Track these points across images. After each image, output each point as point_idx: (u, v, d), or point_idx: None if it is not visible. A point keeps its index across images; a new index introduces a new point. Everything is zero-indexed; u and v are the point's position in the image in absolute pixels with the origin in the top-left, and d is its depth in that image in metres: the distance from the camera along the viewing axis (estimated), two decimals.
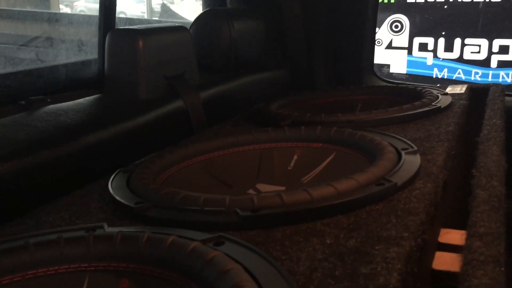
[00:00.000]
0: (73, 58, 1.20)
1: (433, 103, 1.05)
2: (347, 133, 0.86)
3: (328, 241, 0.52)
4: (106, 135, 0.95)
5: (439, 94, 1.13)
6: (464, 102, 1.11)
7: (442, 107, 1.04)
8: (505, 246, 0.51)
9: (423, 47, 4.68)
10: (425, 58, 4.66)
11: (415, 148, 0.76)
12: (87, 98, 1.07)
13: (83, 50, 1.23)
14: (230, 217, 0.58)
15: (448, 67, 3.89)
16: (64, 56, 1.21)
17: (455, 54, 4.71)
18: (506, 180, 0.68)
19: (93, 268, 0.53)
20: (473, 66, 3.93)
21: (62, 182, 0.84)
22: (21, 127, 0.86)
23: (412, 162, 0.71)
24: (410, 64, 3.91)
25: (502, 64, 3.66)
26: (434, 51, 4.74)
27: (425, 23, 4.48)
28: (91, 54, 1.24)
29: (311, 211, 0.58)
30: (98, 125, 0.95)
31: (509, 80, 3.50)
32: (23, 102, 0.96)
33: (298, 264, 0.48)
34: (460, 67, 3.95)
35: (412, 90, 1.22)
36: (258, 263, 0.47)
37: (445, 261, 0.66)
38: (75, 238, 0.54)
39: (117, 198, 0.67)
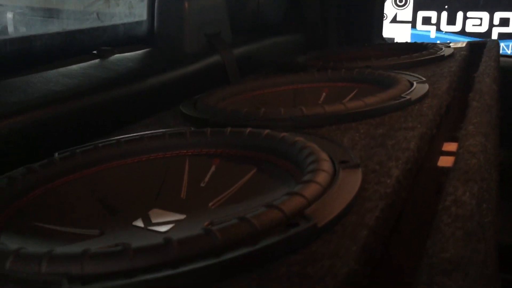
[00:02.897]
0: (125, 19, 1.39)
1: (438, 53, 1.24)
2: (367, 73, 1.05)
3: (362, 131, 0.72)
4: (164, 79, 1.15)
5: (443, 47, 1.32)
6: (465, 53, 1.30)
7: (445, 55, 1.22)
8: (494, 139, 0.70)
9: (426, 20, 4.83)
10: (429, 31, 4.81)
11: (424, 79, 0.95)
12: (142, 50, 1.26)
13: (132, 12, 1.42)
14: (286, 122, 0.78)
15: (451, 40, 4.03)
16: (118, 17, 1.39)
17: (458, 27, 4.85)
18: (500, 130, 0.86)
19: (190, 153, 0.72)
20: (475, 38, 4.05)
21: (133, 113, 1.03)
22: (101, 69, 1.05)
23: (422, 87, 0.90)
24: (413, 37, 4.06)
25: (502, 36, 3.80)
26: (437, 24, 4.88)
27: None
28: (139, 16, 1.42)
29: (346, 115, 0.77)
30: (158, 71, 1.14)
31: (509, 52, 3.68)
32: (95, 52, 1.15)
33: (342, 141, 0.68)
34: (462, 39, 4.08)
35: (419, 44, 1.41)
36: (315, 139, 0.66)
37: (447, 161, 0.86)
38: (175, 133, 0.73)
39: (193, 115, 0.87)
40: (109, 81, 1.01)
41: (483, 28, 4.75)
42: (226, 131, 0.71)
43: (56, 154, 0.70)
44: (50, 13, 1.34)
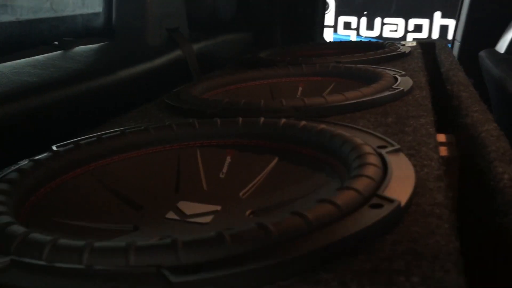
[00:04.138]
0: (77, 10, 1.30)
1: (398, 50, 1.29)
2: (344, 68, 1.06)
3: (371, 120, 0.72)
4: (134, 72, 1.10)
5: (399, 45, 1.37)
6: (420, 50, 1.36)
7: (406, 52, 1.27)
8: None
9: (347, 25, 5.04)
10: (349, 36, 5.01)
11: (404, 73, 0.98)
12: (105, 43, 1.20)
13: (85, 4, 1.34)
14: (289, 112, 0.77)
15: None
16: (71, 8, 1.31)
17: (376, 32, 5.09)
18: None
19: (199, 144, 0.69)
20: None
21: (107, 105, 0.97)
22: (69, 61, 0.98)
23: (406, 80, 0.93)
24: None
25: None
26: (357, 29, 5.10)
27: (348, 4, 4.82)
28: (91, 8, 1.34)
29: (348, 105, 0.78)
30: (128, 63, 1.09)
31: None
32: (56, 43, 1.07)
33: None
34: None
35: (375, 43, 1.46)
36: (338, 127, 0.66)
37: None
38: (183, 124, 0.69)
39: (187, 107, 0.83)
40: (81, 72, 0.95)
41: (399, 34, 5.03)
42: (238, 121, 0.69)
43: (54, 147, 0.65)
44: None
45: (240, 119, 0.69)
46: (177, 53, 1.32)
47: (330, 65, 1.08)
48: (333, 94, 0.82)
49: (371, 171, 0.47)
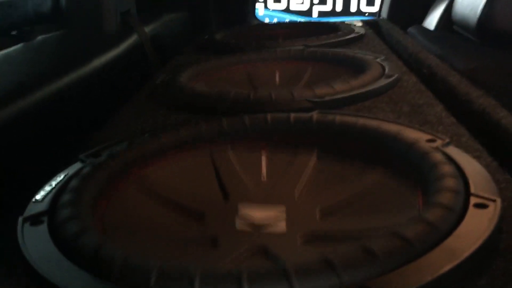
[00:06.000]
0: None
1: (355, 31, 1.32)
2: (320, 52, 1.07)
3: (387, 109, 0.75)
4: (103, 60, 1.03)
5: (352, 26, 1.41)
6: (371, 30, 1.41)
7: (363, 34, 1.31)
8: None
9: None
10: (257, 8, 5.02)
11: (384, 57, 1.02)
12: (61, 32, 1.11)
13: None
14: (302, 104, 0.77)
15: (278, 17, 4.24)
16: None
17: (283, 5, 5.15)
18: None
19: (229, 142, 0.67)
20: (298, 15, 4.32)
21: (84, 99, 0.91)
22: (37, 53, 0.90)
23: (393, 66, 0.95)
24: None
25: (321, 14, 4.13)
26: (265, 2, 5.12)
27: None
28: None
29: (357, 95, 0.79)
30: (94, 54, 1.02)
31: None
32: (15, 33, 0.97)
33: None
34: (288, 16, 4.30)
35: (326, 24, 1.49)
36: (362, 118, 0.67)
37: None
38: (211, 122, 0.67)
39: (197, 103, 0.80)
40: (60, 66, 0.87)
41: (305, 7, 5.13)
42: (267, 118, 0.68)
43: (83, 156, 0.60)
44: None
45: (269, 115, 0.68)
46: (133, 37, 1.26)
47: (305, 50, 1.09)
48: (338, 83, 0.82)
49: (451, 169, 0.49)
